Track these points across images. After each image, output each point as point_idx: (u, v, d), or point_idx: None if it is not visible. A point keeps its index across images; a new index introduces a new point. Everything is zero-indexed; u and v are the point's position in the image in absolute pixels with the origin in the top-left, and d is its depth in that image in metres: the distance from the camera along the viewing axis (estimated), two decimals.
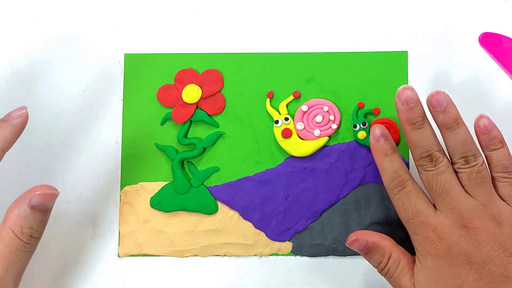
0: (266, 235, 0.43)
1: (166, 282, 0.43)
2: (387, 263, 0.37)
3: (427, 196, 0.37)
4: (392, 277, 0.37)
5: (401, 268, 0.36)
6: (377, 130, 0.38)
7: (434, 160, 0.36)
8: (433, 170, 0.36)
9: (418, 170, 0.37)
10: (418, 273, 0.36)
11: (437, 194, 0.36)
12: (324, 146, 0.43)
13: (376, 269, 0.38)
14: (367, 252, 0.37)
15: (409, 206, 0.36)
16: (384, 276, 0.38)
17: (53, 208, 0.35)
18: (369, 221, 0.42)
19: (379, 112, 0.43)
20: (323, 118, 0.43)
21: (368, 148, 0.43)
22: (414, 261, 0.37)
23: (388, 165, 0.37)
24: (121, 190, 0.44)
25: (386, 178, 0.37)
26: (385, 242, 0.37)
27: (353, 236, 0.38)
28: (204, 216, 0.43)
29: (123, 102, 0.44)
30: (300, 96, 0.44)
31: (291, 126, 0.43)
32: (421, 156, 0.36)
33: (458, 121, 0.36)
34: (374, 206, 0.42)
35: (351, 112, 0.43)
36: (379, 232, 0.42)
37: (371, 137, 0.38)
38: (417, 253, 0.37)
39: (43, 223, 0.35)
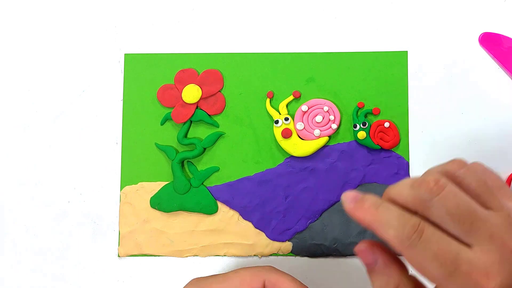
0: (266, 235, 0.43)
1: (166, 282, 0.43)
2: None
3: None
4: None
5: None
6: (348, 193, 0.29)
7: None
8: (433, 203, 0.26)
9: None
10: None
11: (460, 225, 0.26)
12: (324, 146, 0.43)
13: None
14: (371, 271, 0.29)
15: (444, 254, 0.25)
16: None
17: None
18: None
19: (379, 112, 0.43)
20: (323, 118, 0.43)
21: (368, 148, 0.43)
22: None
23: (386, 215, 0.27)
24: (121, 190, 0.44)
25: (393, 232, 0.27)
26: (395, 267, 0.29)
27: (363, 246, 0.29)
28: (204, 216, 0.43)
29: (123, 102, 0.44)
30: (300, 96, 0.44)
31: (291, 126, 0.43)
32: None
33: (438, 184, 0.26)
34: None
35: (351, 112, 0.43)
36: None
37: (346, 204, 0.29)
38: None
39: None
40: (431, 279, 0.26)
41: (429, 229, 0.26)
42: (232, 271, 0.35)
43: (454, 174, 0.27)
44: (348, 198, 0.29)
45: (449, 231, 0.26)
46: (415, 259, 0.26)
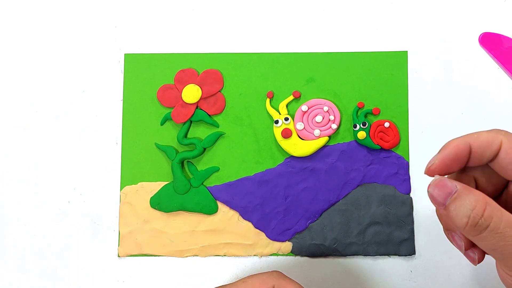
0: (266, 235, 0.43)
1: (166, 282, 0.43)
2: (484, 209, 0.27)
3: None
4: (494, 231, 0.27)
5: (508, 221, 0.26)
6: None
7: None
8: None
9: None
10: None
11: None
12: (324, 146, 0.43)
13: (459, 228, 0.28)
14: (453, 199, 0.28)
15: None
16: (477, 233, 0.27)
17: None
18: (369, 221, 0.42)
19: (379, 112, 0.43)
20: (323, 118, 0.43)
21: (368, 148, 0.43)
22: None
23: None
24: (121, 190, 0.44)
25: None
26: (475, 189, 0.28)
27: (438, 178, 0.28)
28: (204, 216, 0.43)
29: (123, 102, 0.44)
30: (300, 96, 0.44)
31: (291, 126, 0.43)
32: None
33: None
34: (373, 206, 0.42)
35: (351, 112, 0.43)
36: (379, 232, 0.42)
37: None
38: None
39: None
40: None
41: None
42: (239, 280, 0.35)
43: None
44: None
45: None
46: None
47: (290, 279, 0.35)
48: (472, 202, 0.27)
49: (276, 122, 0.43)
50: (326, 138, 0.43)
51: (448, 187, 0.28)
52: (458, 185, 0.28)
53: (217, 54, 0.44)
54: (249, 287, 0.34)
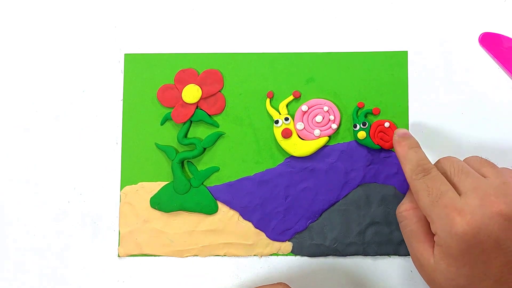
0: (266, 235, 0.43)
1: (166, 282, 0.43)
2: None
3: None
4: (411, 229, 0.36)
5: (423, 228, 0.36)
6: (402, 130, 0.40)
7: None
8: (442, 161, 0.37)
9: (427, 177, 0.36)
10: (440, 261, 0.33)
11: (456, 177, 0.35)
12: (324, 146, 0.43)
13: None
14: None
15: (434, 188, 0.34)
16: (403, 219, 0.38)
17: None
18: (369, 221, 0.42)
19: (379, 112, 0.43)
20: (323, 118, 0.43)
21: (368, 148, 0.43)
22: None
23: (413, 155, 0.37)
24: (121, 190, 0.44)
25: (410, 166, 0.37)
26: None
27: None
28: (204, 216, 0.43)
29: (123, 102, 0.44)
30: (300, 96, 0.44)
31: (291, 126, 0.43)
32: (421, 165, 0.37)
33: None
34: (374, 206, 0.43)
35: (351, 112, 0.43)
36: (379, 232, 0.42)
37: (396, 135, 0.40)
38: (438, 240, 0.34)
39: None
40: (420, 205, 0.35)
41: (434, 172, 0.35)
42: None
43: (439, 165, 0.38)
44: (399, 133, 0.40)
45: (451, 180, 0.35)
46: (416, 188, 0.36)
47: None
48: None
49: (276, 122, 0.43)
50: (326, 138, 0.43)
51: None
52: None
53: (217, 54, 0.44)
54: None
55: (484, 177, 0.35)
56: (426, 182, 0.35)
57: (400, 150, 0.39)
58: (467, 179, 0.34)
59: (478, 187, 0.33)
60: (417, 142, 0.39)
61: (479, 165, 0.36)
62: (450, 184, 0.35)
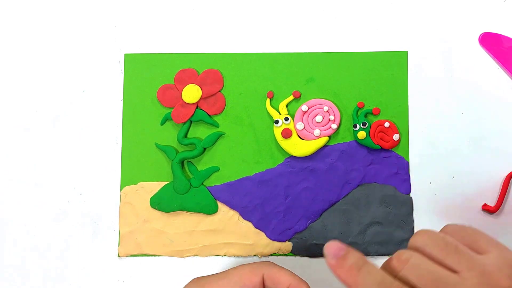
0: (266, 235, 0.43)
1: (166, 282, 0.43)
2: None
3: None
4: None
5: None
6: (333, 245, 0.29)
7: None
8: (419, 240, 0.29)
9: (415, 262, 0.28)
10: None
11: (449, 254, 0.28)
12: (324, 146, 0.43)
13: None
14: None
15: None
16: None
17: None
18: (369, 221, 0.42)
19: (379, 112, 0.43)
20: (323, 118, 0.43)
21: (368, 148, 0.43)
22: None
23: (367, 279, 0.27)
24: (121, 190, 0.44)
25: None
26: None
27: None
28: (204, 216, 0.43)
29: (123, 102, 0.44)
30: (300, 96, 0.44)
31: (291, 126, 0.43)
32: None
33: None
34: (374, 206, 0.42)
35: (351, 112, 0.43)
36: (379, 232, 0.42)
37: (328, 257, 0.29)
38: None
39: None
40: None
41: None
42: (231, 268, 0.36)
43: (416, 246, 0.28)
44: (331, 252, 0.29)
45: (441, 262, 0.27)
46: None
47: (282, 267, 0.35)
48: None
49: (276, 122, 0.43)
50: (326, 138, 0.43)
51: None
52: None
53: (217, 54, 0.44)
54: (239, 273, 0.35)
55: (454, 271, 0.27)
56: None
57: (346, 277, 0.28)
58: (461, 256, 0.28)
59: (475, 264, 0.27)
60: (362, 256, 0.29)
61: (468, 238, 0.29)
62: (439, 265, 0.28)
